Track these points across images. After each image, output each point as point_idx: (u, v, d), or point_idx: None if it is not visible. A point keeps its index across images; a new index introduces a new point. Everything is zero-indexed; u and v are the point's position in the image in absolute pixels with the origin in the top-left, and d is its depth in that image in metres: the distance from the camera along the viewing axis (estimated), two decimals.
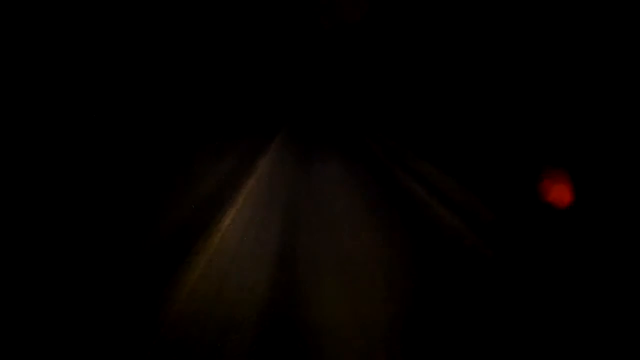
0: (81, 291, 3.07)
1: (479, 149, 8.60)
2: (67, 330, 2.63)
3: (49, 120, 6.78)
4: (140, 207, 4.90)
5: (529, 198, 5.36)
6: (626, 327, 2.72)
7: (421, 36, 15.01)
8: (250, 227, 4.31)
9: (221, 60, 17.18)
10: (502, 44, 9.43)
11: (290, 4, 23.54)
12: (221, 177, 6.37)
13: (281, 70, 24.68)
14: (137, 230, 4.17)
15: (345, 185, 6.23)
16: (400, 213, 4.90)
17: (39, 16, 7.08)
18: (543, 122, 7.62)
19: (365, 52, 22.67)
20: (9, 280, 3.13)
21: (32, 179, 5.41)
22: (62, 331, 2.61)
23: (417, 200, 5.43)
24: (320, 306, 2.87)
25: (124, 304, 2.94)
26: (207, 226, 4.30)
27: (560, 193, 5.09)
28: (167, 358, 2.39)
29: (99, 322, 2.72)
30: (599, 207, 4.75)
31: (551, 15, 7.98)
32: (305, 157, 8.64)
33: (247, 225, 4.36)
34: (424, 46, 14.75)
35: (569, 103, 7.18)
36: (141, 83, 10.49)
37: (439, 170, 7.37)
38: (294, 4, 23.59)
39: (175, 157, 7.86)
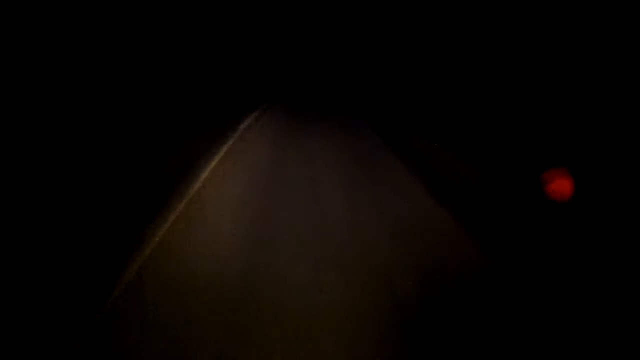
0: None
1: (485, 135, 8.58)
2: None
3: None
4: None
5: (531, 190, 5.37)
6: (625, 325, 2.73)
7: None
8: None
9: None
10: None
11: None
12: None
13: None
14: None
15: None
16: None
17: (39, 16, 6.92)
18: (546, 119, 7.61)
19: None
20: None
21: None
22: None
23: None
24: None
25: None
26: None
27: (561, 186, 5.10)
28: None
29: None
30: (600, 202, 4.76)
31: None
32: None
33: None
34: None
35: (574, 101, 7.17)
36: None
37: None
38: None
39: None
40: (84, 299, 2.67)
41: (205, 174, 5.60)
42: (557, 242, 4.02)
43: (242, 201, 4.74)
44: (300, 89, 22.38)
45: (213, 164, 6.16)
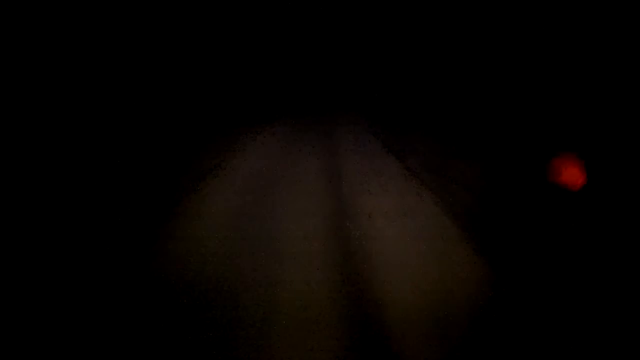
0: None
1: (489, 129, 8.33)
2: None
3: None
4: None
5: (539, 180, 5.12)
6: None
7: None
8: None
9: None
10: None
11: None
12: None
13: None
14: None
15: None
16: None
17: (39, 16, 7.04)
18: (556, 107, 7.38)
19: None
20: None
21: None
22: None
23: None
24: None
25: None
26: None
27: (572, 175, 4.85)
28: None
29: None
30: (612, 191, 4.52)
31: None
32: None
33: None
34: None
35: (583, 90, 6.93)
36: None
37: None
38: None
39: None
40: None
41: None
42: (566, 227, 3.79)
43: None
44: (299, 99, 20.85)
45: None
